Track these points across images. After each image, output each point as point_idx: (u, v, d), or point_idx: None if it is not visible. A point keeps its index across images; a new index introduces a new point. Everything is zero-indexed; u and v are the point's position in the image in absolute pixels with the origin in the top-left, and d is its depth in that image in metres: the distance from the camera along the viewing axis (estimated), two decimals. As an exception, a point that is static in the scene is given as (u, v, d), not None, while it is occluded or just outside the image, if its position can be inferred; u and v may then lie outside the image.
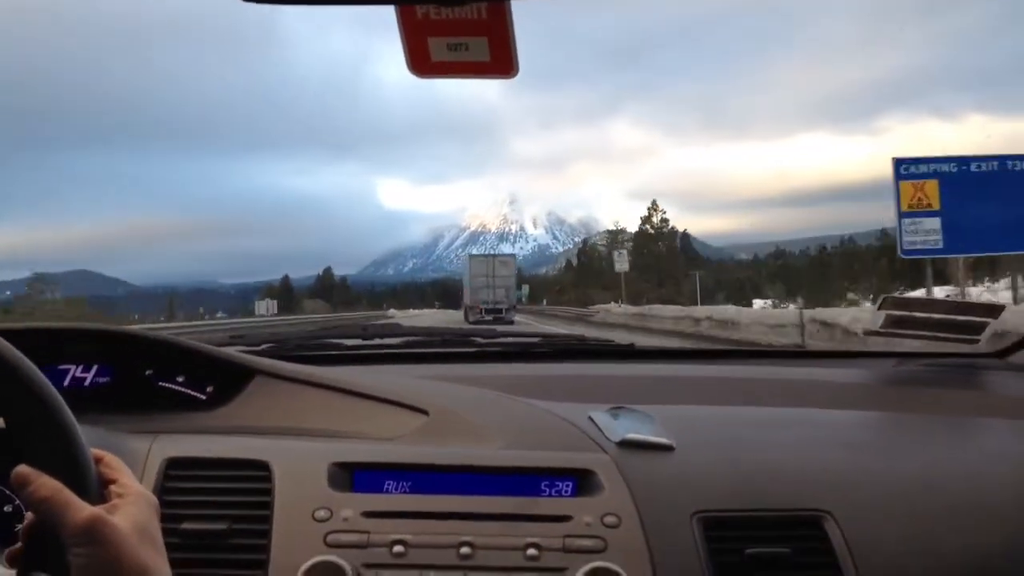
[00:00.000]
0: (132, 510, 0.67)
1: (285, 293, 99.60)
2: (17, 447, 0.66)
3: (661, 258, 67.05)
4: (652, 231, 69.11)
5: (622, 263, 38.54)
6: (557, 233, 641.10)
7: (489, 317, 36.63)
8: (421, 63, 0.76)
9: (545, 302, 68.02)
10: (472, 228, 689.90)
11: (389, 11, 0.73)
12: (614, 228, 79.57)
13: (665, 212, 69.66)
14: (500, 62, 0.75)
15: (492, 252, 52.87)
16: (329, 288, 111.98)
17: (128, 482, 0.71)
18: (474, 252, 46.20)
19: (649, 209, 69.56)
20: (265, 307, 48.37)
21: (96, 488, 0.67)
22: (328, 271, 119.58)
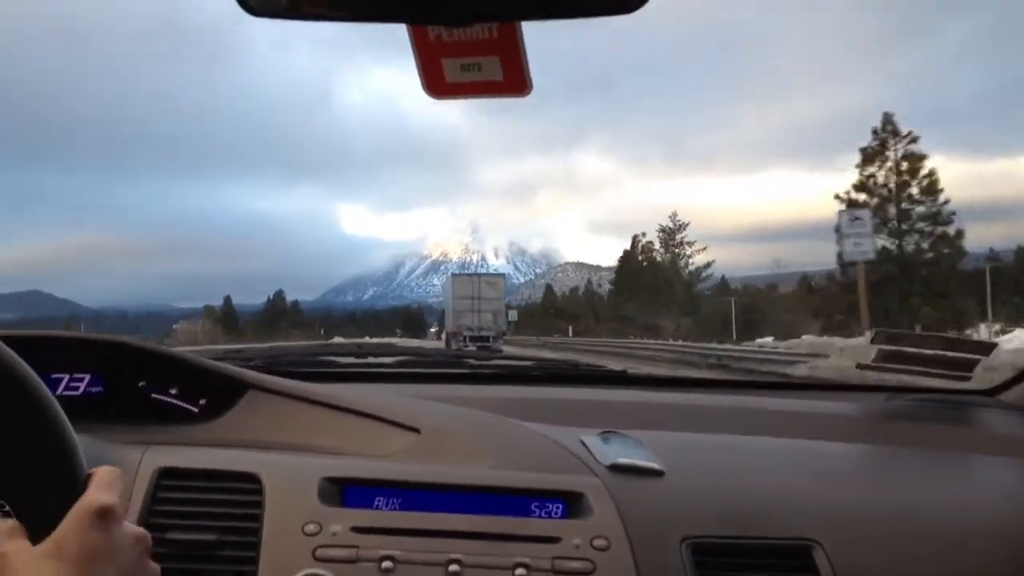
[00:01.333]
0: (63, 543, 0.60)
1: (227, 317, 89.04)
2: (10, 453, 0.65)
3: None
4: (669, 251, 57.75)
5: (861, 246, 21.53)
6: (519, 264, 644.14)
7: (473, 347, 30.57)
8: (436, 84, 0.77)
9: (571, 332, 55.81)
10: (433, 256, 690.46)
11: (401, 35, 0.74)
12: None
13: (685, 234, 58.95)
14: (513, 81, 0.76)
15: (478, 271, 48.85)
16: (280, 313, 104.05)
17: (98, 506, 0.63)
18: (456, 275, 38.60)
19: (670, 228, 58.66)
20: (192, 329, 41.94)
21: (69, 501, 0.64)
22: (279, 295, 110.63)
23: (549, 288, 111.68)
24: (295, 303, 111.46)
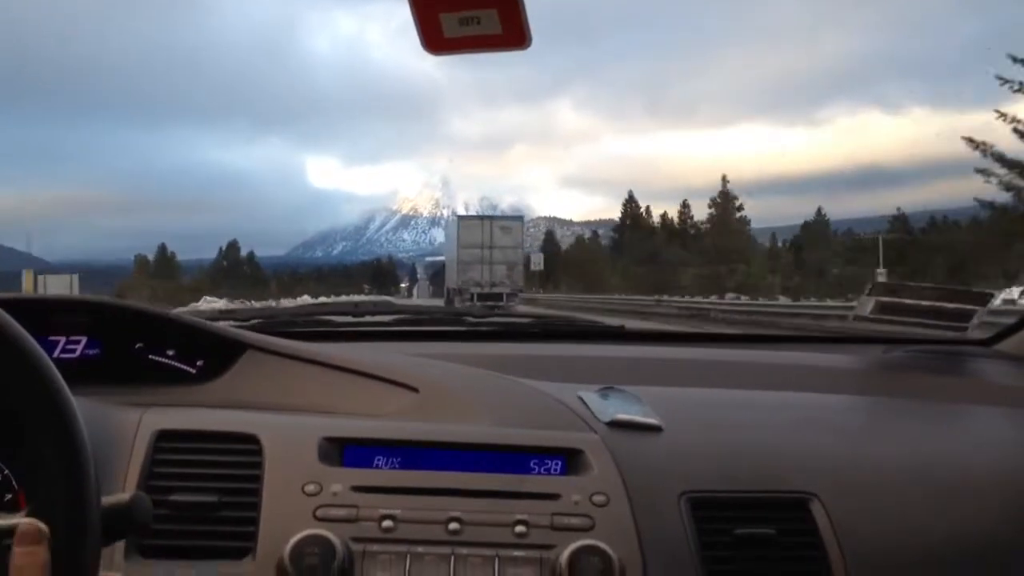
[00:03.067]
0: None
1: (163, 270, 74.64)
2: (7, 419, 0.66)
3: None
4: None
5: None
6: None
7: (481, 304, 24.86)
8: (434, 40, 0.76)
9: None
10: (404, 211, 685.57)
11: None
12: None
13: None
14: (512, 33, 0.75)
15: (490, 213, 35.34)
16: (234, 267, 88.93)
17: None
18: (463, 217, 32.13)
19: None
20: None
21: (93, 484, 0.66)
22: (233, 246, 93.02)
23: (550, 237, 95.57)
24: (251, 256, 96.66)
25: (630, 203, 66.23)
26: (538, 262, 45.42)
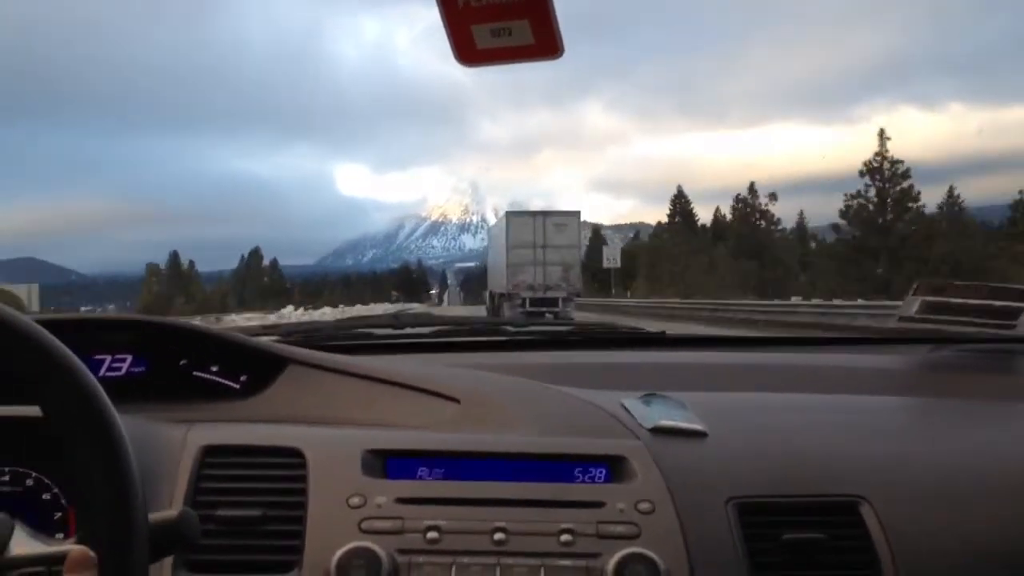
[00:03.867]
0: None
1: (176, 280, 71.94)
2: (56, 439, 0.68)
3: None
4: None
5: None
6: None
7: (535, 311, 23.19)
8: (467, 52, 0.76)
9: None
10: (433, 218, 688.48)
11: (431, 7, 0.74)
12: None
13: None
14: (545, 44, 0.75)
15: (543, 210, 29.74)
16: (255, 276, 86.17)
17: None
18: (513, 213, 27.52)
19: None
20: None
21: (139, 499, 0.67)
22: (256, 254, 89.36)
23: (597, 235, 79.44)
24: (274, 264, 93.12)
25: (679, 199, 60.38)
26: (613, 256, 36.58)
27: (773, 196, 48.65)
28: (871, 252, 33.45)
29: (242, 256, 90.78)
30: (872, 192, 35.10)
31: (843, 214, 35.77)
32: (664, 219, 60.73)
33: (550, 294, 24.10)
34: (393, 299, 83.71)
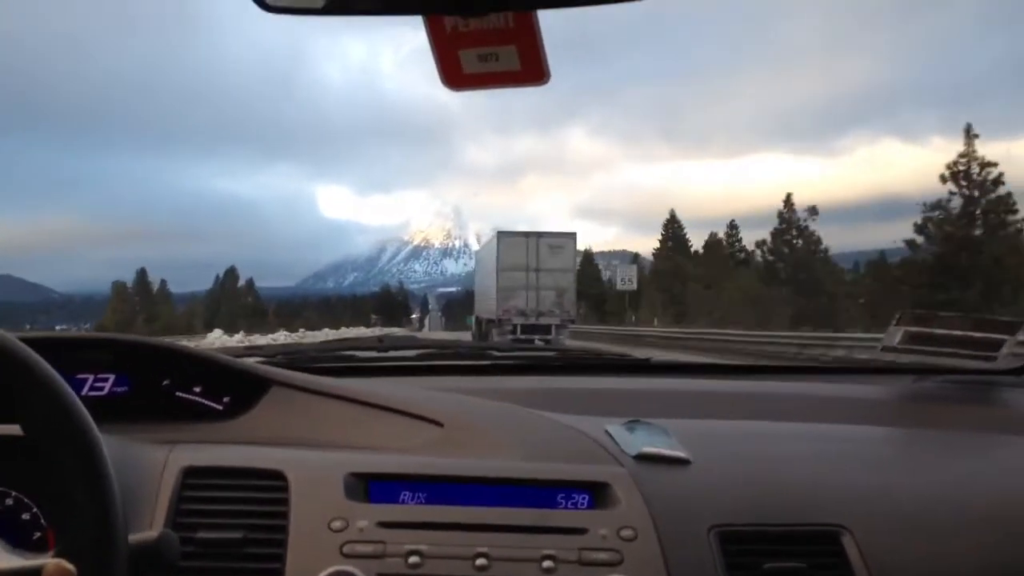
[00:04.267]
0: None
1: (142, 299, 67.13)
2: (37, 457, 0.67)
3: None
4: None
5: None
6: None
7: (526, 338, 21.92)
8: (454, 76, 0.77)
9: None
10: (415, 242, 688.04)
11: (419, 30, 0.74)
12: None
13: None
14: (531, 70, 0.76)
15: (535, 230, 26.11)
16: (230, 297, 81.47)
17: None
18: (505, 233, 25.93)
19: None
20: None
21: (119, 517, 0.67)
22: (231, 274, 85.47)
23: (588, 260, 70.51)
24: (250, 284, 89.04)
25: (672, 223, 58.11)
26: (629, 278, 33.50)
27: (813, 210, 38.01)
28: (960, 274, 25.55)
29: (217, 276, 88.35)
30: (955, 202, 26.67)
31: (920, 229, 27.15)
32: (655, 245, 58.00)
33: (543, 320, 22.94)
34: (371, 322, 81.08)
